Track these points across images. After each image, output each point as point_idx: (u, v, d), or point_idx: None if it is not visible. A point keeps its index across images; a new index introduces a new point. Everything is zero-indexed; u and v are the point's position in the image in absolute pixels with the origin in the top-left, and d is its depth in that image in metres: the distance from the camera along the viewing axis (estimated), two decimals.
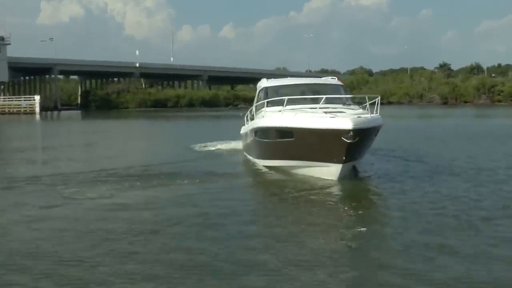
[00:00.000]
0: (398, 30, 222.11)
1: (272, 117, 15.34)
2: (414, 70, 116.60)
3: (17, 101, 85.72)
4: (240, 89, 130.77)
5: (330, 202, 12.10)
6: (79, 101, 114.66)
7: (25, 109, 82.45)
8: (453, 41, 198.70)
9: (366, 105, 14.93)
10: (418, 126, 41.76)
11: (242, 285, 7.22)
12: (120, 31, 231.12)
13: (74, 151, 26.03)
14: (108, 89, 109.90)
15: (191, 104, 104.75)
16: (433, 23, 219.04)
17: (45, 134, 42.98)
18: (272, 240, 9.14)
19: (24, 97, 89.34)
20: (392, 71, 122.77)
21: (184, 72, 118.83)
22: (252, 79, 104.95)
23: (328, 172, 13.79)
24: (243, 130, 20.00)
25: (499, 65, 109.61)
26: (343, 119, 13.17)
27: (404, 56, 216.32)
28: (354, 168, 15.16)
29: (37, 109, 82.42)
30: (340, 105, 15.60)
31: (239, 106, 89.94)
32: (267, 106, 16.32)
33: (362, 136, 13.20)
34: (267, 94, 17.48)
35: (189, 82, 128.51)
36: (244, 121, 20.06)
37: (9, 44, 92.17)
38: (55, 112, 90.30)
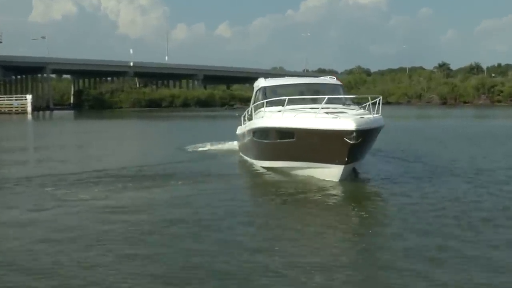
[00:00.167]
0: (396, 29, 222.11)
1: (272, 117, 15.08)
2: (413, 70, 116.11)
3: (8, 101, 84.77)
4: (236, 88, 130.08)
5: (330, 204, 12.00)
6: (71, 101, 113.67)
7: (16, 108, 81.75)
8: (452, 41, 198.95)
9: (366, 105, 14.79)
10: (417, 127, 41.75)
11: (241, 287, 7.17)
12: (114, 30, 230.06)
13: (66, 151, 25.67)
14: (102, 89, 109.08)
15: (186, 104, 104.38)
16: (433, 22, 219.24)
17: (37, 134, 42.55)
18: (271, 242, 9.04)
19: (15, 97, 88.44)
20: (390, 70, 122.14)
21: (179, 71, 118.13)
22: (248, 78, 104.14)
23: (330, 173, 13.61)
24: (240, 130, 19.73)
25: (499, 65, 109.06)
26: (346, 119, 12.96)
27: (403, 56, 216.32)
28: (353, 169, 14.97)
29: (29, 109, 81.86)
30: (340, 105, 15.42)
31: (235, 106, 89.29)
32: (266, 106, 16.01)
33: (365, 137, 13.03)
34: (265, 94, 17.21)
35: (184, 81, 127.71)
36: (241, 121, 19.84)
37: (0, 42, 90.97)
38: (47, 112, 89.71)
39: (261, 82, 18.27)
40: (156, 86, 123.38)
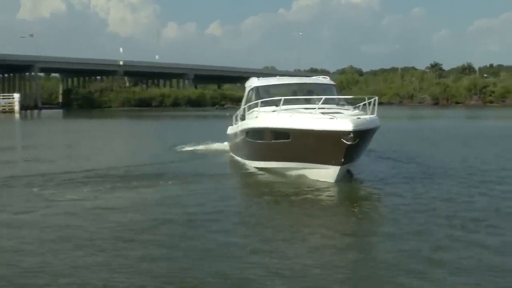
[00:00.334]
0: (389, 29, 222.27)
1: (267, 117, 14.90)
2: (405, 70, 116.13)
3: None
4: (227, 88, 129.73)
5: (325, 204, 12.01)
6: (60, 100, 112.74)
7: (3, 107, 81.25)
8: (445, 41, 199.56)
9: (360, 105, 14.78)
10: (409, 127, 41.94)
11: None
12: (104, 28, 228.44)
13: (54, 151, 25.35)
14: (91, 88, 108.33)
15: (176, 104, 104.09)
16: (425, 22, 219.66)
17: (24, 133, 42.22)
18: (265, 242, 9.03)
19: (2, 95, 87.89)
20: (382, 70, 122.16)
21: (170, 70, 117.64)
22: (239, 78, 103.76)
23: (325, 174, 13.53)
24: (231, 130, 19.58)
25: (491, 65, 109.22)
26: (343, 120, 12.85)
27: (395, 56, 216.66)
28: (347, 170, 14.81)
29: (17, 108, 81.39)
30: (334, 106, 15.29)
31: (225, 106, 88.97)
32: (260, 106, 15.78)
33: (362, 137, 12.94)
34: (258, 94, 17.06)
35: (174, 80, 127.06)
36: (233, 121, 19.68)
37: None
38: (36, 111, 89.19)
39: (253, 82, 18.09)
40: (146, 85, 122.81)
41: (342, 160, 13.03)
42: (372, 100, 14.27)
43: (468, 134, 31.60)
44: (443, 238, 9.04)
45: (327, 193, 12.83)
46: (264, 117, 15.05)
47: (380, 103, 14.14)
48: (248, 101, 17.68)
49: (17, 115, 74.29)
